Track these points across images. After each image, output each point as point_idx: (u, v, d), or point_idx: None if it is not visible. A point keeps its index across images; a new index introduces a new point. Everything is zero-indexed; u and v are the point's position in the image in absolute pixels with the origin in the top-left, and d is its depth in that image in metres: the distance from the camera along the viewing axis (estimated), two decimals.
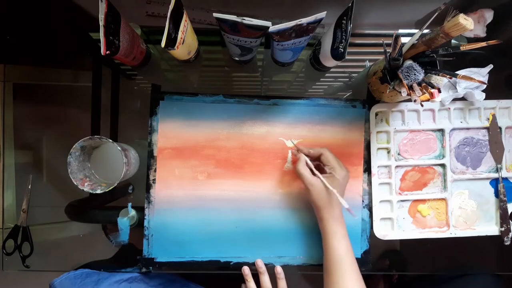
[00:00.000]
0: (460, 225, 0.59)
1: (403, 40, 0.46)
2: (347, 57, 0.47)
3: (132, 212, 0.56)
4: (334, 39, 0.47)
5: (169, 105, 0.56)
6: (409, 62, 0.47)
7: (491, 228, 0.59)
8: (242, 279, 0.56)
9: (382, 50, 0.47)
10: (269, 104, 0.57)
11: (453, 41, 0.58)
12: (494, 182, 0.59)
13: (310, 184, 0.49)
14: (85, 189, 0.48)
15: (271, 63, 0.58)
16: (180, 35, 0.43)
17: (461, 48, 0.45)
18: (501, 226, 0.58)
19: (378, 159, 0.58)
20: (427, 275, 0.65)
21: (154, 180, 0.56)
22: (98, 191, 0.48)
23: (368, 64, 0.59)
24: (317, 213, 0.51)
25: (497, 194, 0.59)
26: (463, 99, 0.58)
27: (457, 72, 0.48)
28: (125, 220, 0.55)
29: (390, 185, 0.58)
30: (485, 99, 0.57)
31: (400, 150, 0.58)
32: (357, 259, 0.57)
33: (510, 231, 0.58)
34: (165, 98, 0.56)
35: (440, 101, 0.58)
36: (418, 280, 0.72)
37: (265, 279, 0.53)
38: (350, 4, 0.44)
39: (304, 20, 0.41)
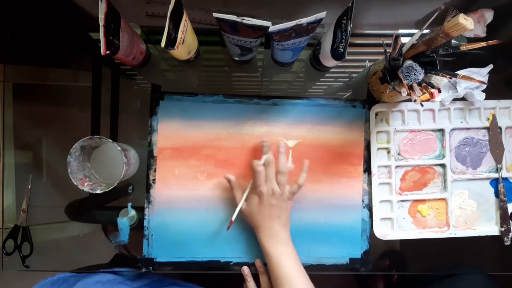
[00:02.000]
0: (460, 225, 0.59)
1: (403, 40, 0.46)
2: (347, 57, 0.47)
3: (132, 212, 0.56)
4: (334, 39, 0.47)
5: (169, 105, 0.56)
6: (409, 62, 0.47)
7: (491, 228, 0.58)
8: (242, 279, 0.56)
9: (382, 50, 0.47)
10: (269, 104, 0.57)
11: (453, 41, 0.58)
12: (494, 182, 0.59)
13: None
14: (85, 189, 0.48)
15: (271, 63, 0.58)
16: (180, 35, 0.43)
17: (461, 48, 0.45)
18: (501, 226, 0.58)
19: (378, 159, 0.58)
20: (427, 275, 0.65)
21: (154, 180, 0.56)
22: (98, 191, 0.48)
23: (368, 64, 0.59)
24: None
25: (497, 194, 0.59)
26: (463, 99, 0.58)
27: (457, 72, 0.48)
28: (125, 220, 0.55)
29: (390, 185, 0.58)
30: (485, 99, 0.57)
31: (400, 150, 0.58)
32: (357, 259, 0.57)
33: (510, 231, 0.58)
34: (165, 98, 0.56)
35: (440, 101, 0.57)
36: (418, 280, 0.72)
37: (265, 279, 0.53)
38: (350, 4, 0.44)
39: (304, 20, 0.41)
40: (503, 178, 0.59)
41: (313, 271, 0.57)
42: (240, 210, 0.52)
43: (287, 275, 0.46)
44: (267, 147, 0.53)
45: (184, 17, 0.43)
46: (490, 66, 0.57)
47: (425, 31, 0.45)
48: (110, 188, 0.49)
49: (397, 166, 0.58)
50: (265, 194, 0.50)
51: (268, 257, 0.49)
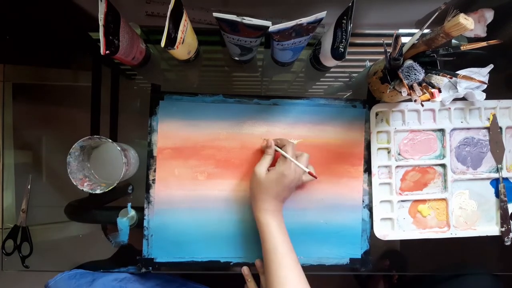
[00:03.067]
0: (461, 225, 0.58)
1: (404, 40, 0.46)
2: (347, 57, 0.47)
3: (132, 212, 0.56)
4: (334, 39, 0.47)
5: (169, 105, 0.56)
6: (409, 62, 0.47)
7: (492, 228, 0.58)
8: (242, 279, 0.56)
9: (382, 50, 0.47)
10: (269, 104, 0.57)
11: (453, 41, 0.58)
12: (495, 182, 0.59)
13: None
14: (84, 189, 0.48)
15: (271, 63, 0.58)
16: (180, 34, 0.43)
17: (461, 48, 0.45)
18: (502, 226, 0.58)
19: (378, 159, 0.58)
20: (427, 275, 0.65)
21: (153, 180, 0.56)
22: (98, 191, 0.48)
23: (368, 64, 0.59)
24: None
25: (497, 194, 0.59)
26: (463, 99, 0.58)
27: (457, 72, 0.48)
28: (125, 220, 0.55)
29: (391, 185, 0.58)
30: (485, 99, 0.57)
31: (401, 150, 0.58)
32: (357, 259, 0.57)
33: (510, 231, 0.58)
34: (165, 98, 0.56)
35: (441, 101, 0.57)
36: (418, 280, 0.72)
37: (265, 279, 0.53)
38: (350, 4, 0.44)
39: (304, 20, 0.41)
40: (503, 178, 0.59)
41: (313, 271, 0.57)
42: (255, 174, 0.51)
43: (273, 241, 0.49)
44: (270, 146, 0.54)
45: (184, 17, 0.43)
46: (491, 66, 0.57)
47: (426, 31, 0.45)
48: (110, 188, 0.49)
49: (397, 166, 0.58)
50: (292, 177, 0.50)
51: (259, 224, 0.50)
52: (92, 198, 0.57)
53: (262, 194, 0.50)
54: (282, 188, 0.50)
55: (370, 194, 0.58)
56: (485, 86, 0.57)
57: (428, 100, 0.45)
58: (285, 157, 0.50)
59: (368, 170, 0.58)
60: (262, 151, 0.56)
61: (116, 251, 0.56)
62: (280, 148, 0.52)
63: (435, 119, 0.58)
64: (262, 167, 0.51)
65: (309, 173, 0.50)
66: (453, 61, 0.51)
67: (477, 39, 0.59)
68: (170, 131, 0.56)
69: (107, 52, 0.43)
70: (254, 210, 0.51)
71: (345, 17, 0.45)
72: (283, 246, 0.48)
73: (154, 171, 0.56)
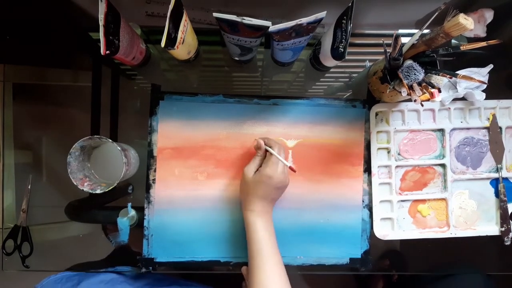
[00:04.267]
0: (461, 225, 0.58)
1: (403, 40, 0.46)
2: (347, 57, 0.47)
3: (132, 212, 0.56)
4: (334, 39, 0.47)
5: (169, 105, 0.56)
6: (409, 62, 0.47)
7: (492, 228, 0.58)
8: (242, 279, 0.56)
9: (382, 50, 0.47)
10: (269, 104, 0.57)
11: (453, 41, 0.58)
12: (495, 182, 0.59)
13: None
14: (84, 189, 0.48)
15: (271, 63, 0.58)
16: (180, 35, 0.43)
17: (461, 48, 0.45)
18: (502, 226, 0.58)
19: (378, 159, 0.58)
20: (427, 275, 0.65)
21: (154, 180, 0.56)
22: (98, 191, 0.48)
23: (368, 64, 0.59)
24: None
25: (497, 194, 0.59)
26: (463, 99, 0.58)
27: (457, 72, 0.48)
28: (125, 220, 0.55)
29: (390, 185, 0.58)
30: (485, 99, 0.57)
31: (400, 150, 0.58)
32: (357, 259, 0.57)
33: (510, 231, 0.58)
34: (165, 98, 0.56)
35: (440, 101, 0.57)
36: (418, 280, 0.72)
37: None
38: (350, 4, 0.44)
39: (304, 20, 0.41)
40: (503, 178, 0.59)
41: (313, 271, 0.57)
42: (244, 175, 0.50)
43: (259, 241, 0.49)
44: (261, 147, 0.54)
45: (184, 17, 0.43)
46: (490, 66, 0.57)
47: (425, 31, 0.45)
48: (110, 188, 0.49)
49: (397, 166, 0.58)
50: (280, 179, 0.49)
51: (246, 224, 0.50)
52: (92, 198, 0.57)
53: (249, 195, 0.50)
54: (269, 189, 0.49)
55: (370, 194, 0.58)
56: (485, 86, 0.57)
57: (428, 100, 0.45)
58: (272, 158, 0.50)
59: (368, 170, 0.58)
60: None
61: (111, 251, 0.56)
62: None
63: (435, 119, 0.58)
64: (250, 168, 0.51)
65: (290, 167, 0.49)
66: (453, 61, 0.51)
67: (477, 39, 0.59)
68: (170, 131, 0.56)
69: (107, 52, 0.43)
70: (243, 210, 0.52)
71: (345, 17, 0.45)
72: (268, 248, 0.48)
73: (154, 171, 0.56)
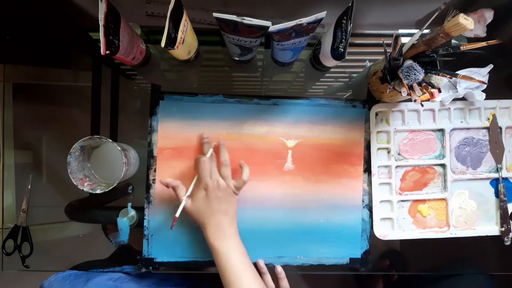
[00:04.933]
0: (460, 225, 0.58)
1: (403, 40, 0.46)
2: (347, 57, 0.47)
3: (132, 212, 0.56)
4: (334, 39, 0.47)
5: (169, 105, 0.56)
6: (409, 62, 0.47)
7: (491, 228, 0.58)
8: None
9: (382, 50, 0.47)
10: (269, 104, 0.57)
11: (453, 41, 0.58)
12: (494, 182, 0.59)
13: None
14: (84, 189, 0.48)
15: (271, 63, 0.58)
16: (180, 35, 0.43)
17: (461, 48, 0.45)
18: (501, 226, 0.58)
19: (378, 159, 0.58)
20: (427, 275, 0.65)
21: (154, 180, 0.56)
22: (98, 191, 0.48)
23: (368, 64, 0.59)
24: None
25: (497, 194, 0.59)
26: (463, 99, 0.58)
27: (457, 72, 0.48)
28: (125, 220, 0.55)
29: (390, 185, 0.58)
30: (485, 99, 0.57)
31: (400, 150, 0.58)
32: (357, 259, 0.57)
33: (510, 231, 0.58)
34: (165, 98, 0.56)
35: (440, 101, 0.57)
36: (418, 280, 0.72)
37: (268, 278, 0.53)
38: (350, 4, 0.44)
39: (304, 20, 0.41)
40: (503, 178, 0.59)
41: (313, 271, 0.57)
42: (185, 208, 0.49)
43: (235, 270, 0.46)
44: (207, 143, 0.54)
45: (184, 17, 0.43)
46: (490, 66, 0.57)
47: (425, 31, 0.45)
48: (110, 188, 0.49)
49: (397, 166, 0.58)
50: (210, 186, 0.48)
51: (216, 253, 0.47)
52: (92, 198, 0.57)
53: (207, 220, 0.48)
54: (216, 204, 0.48)
55: (370, 194, 0.58)
56: (485, 86, 0.57)
57: (428, 100, 0.45)
58: (196, 179, 0.50)
59: (368, 170, 0.58)
60: (262, 152, 0.57)
61: (113, 251, 0.56)
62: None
63: (435, 119, 0.58)
64: (185, 200, 0.49)
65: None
66: (453, 61, 0.51)
67: (477, 39, 0.59)
68: (170, 131, 0.56)
69: (107, 52, 0.43)
70: (208, 239, 0.49)
71: (345, 17, 0.45)
72: (247, 275, 0.46)
73: (154, 171, 0.56)
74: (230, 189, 0.50)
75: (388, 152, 0.58)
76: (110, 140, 0.48)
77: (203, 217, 0.49)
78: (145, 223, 0.55)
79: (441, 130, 0.58)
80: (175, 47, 0.43)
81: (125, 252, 0.56)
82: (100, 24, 0.42)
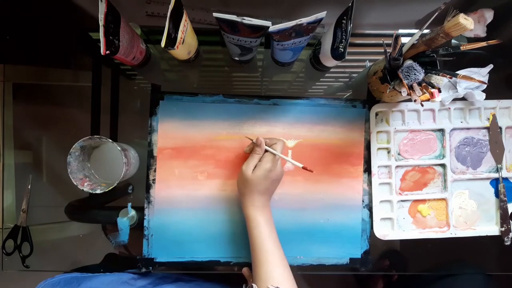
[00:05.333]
0: (460, 225, 0.58)
1: (403, 40, 0.46)
2: (347, 57, 0.47)
3: (132, 212, 0.56)
4: (334, 39, 0.47)
5: (169, 105, 0.56)
6: (409, 62, 0.47)
7: (491, 228, 0.58)
8: (242, 279, 0.56)
9: (382, 50, 0.47)
10: (269, 104, 0.57)
11: (453, 41, 0.58)
12: (494, 182, 0.59)
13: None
14: (84, 189, 0.48)
15: (271, 63, 0.58)
16: (180, 35, 0.43)
17: (461, 48, 0.45)
18: (501, 226, 0.58)
19: (378, 159, 0.58)
20: (427, 275, 0.65)
21: (154, 180, 0.56)
22: (98, 191, 0.48)
23: (368, 64, 0.59)
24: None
25: (497, 194, 0.59)
26: (463, 99, 0.58)
27: (457, 72, 0.48)
28: (125, 220, 0.55)
29: (390, 185, 0.58)
30: (485, 99, 0.57)
31: (400, 150, 0.58)
32: (357, 259, 0.57)
33: (510, 231, 0.58)
34: (165, 98, 0.56)
35: (440, 101, 0.57)
36: (418, 280, 0.72)
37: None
38: (350, 4, 0.44)
39: (304, 20, 0.41)
40: (503, 178, 0.59)
41: (313, 271, 0.57)
42: (244, 173, 0.50)
43: (261, 236, 0.49)
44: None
45: (184, 17, 0.43)
46: (490, 66, 0.57)
47: (425, 31, 0.45)
48: (110, 188, 0.49)
49: (397, 166, 0.58)
50: (278, 167, 0.51)
51: (249, 221, 0.51)
52: (92, 198, 0.57)
53: (251, 192, 0.50)
54: (269, 183, 0.50)
55: (370, 194, 0.58)
56: (485, 86, 0.57)
57: (428, 100, 0.45)
58: (271, 153, 0.50)
59: (368, 170, 0.58)
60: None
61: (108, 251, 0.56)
62: (270, 146, 0.52)
63: (435, 119, 0.58)
64: (249, 166, 0.50)
65: (304, 167, 0.49)
66: (453, 61, 0.51)
67: (477, 39, 0.59)
68: (170, 131, 0.56)
69: (107, 52, 0.43)
70: (243, 207, 0.52)
71: (345, 17, 0.45)
72: (270, 242, 0.49)
73: (154, 171, 0.56)
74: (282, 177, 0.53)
75: (388, 152, 0.58)
76: (110, 140, 0.48)
77: (253, 187, 0.50)
78: (145, 223, 0.55)
79: (441, 130, 0.58)
80: (175, 47, 0.43)
81: (115, 258, 0.55)
82: (100, 24, 0.42)
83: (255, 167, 0.51)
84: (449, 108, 0.58)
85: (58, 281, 0.52)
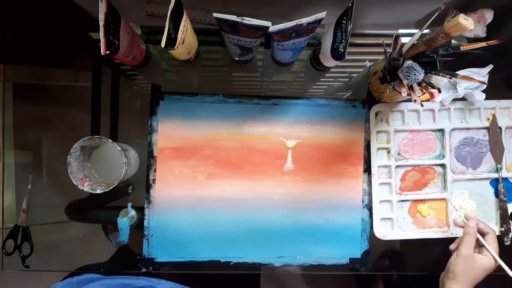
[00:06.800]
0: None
1: (403, 40, 0.46)
2: (347, 57, 0.47)
3: (132, 212, 0.56)
4: (334, 39, 0.47)
5: (169, 105, 0.56)
6: (409, 62, 0.47)
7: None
8: (242, 279, 0.56)
9: (382, 50, 0.47)
10: (269, 104, 0.57)
11: (453, 41, 0.58)
12: (494, 182, 0.59)
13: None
14: (85, 189, 0.48)
15: (271, 63, 0.58)
16: (180, 35, 0.43)
17: (461, 48, 0.45)
18: (501, 226, 0.58)
19: (378, 159, 0.58)
20: (427, 275, 0.65)
21: (154, 180, 0.56)
22: (98, 191, 0.48)
23: (368, 64, 0.59)
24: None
25: (497, 194, 0.59)
26: (463, 99, 0.58)
27: (457, 72, 0.48)
28: (125, 220, 0.55)
29: (390, 185, 0.58)
30: (485, 99, 0.57)
31: (400, 150, 0.58)
32: (357, 259, 0.57)
33: (510, 231, 0.58)
34: (165, 98, 0.56)
35: (440, 101, 0.57)
36: (418, 280, 0.72)
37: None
38: (350, 4, 0.44)
39: (304, 20, 0.41)
40: (503, 178, 0.59)
41: (313, 271, 0.57)
42: (467, 256, 0.48)
43: None
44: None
45: (184, 17, 0.43)
46: (490, 66, 0.57)
47: (425, 31, 0.45)
48: (110, 188, 0.49)
49: (397, 166, 0.58)
50: (486, 260, 0.49)
51: None
52: (93, 198, 0.57)
53: (469, 280, 0.48)
54: (481, 278, 0.49)
55: (369, 194, 0.58)
56: (485, 86, 0.57)
57: (428, 100, 0.45)
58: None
59: (368, 170, 0.58)
60: (262, 152, 0.56)
61: (114, 252, 0.56)
62: (481, 235, 0.50)
63: (435, 119, 0.58)
64: (469, 250, 0.48)
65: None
66: (453, 61, 0.51)
67: (477, 39, 0.59)
68: (170, 131, 0.56)
69: (108, 52, 0.43)
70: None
71: (345, 17, 0.45)
72: None
73: (155, 171, 0.56)
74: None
75: (388, 152, 0.58)
76: (110, 140, 0.48)
77: (470, 275, 0.48)
78: (145, 223, 0.55)
79: (441, 130, 0.58)
80: (175, 47, 0.43)
81: (126, 253, 0.56)
82: (100, 24, 0.42)
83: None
84: (449, 108, 0.58)
85: (83, 279, 0.51)
